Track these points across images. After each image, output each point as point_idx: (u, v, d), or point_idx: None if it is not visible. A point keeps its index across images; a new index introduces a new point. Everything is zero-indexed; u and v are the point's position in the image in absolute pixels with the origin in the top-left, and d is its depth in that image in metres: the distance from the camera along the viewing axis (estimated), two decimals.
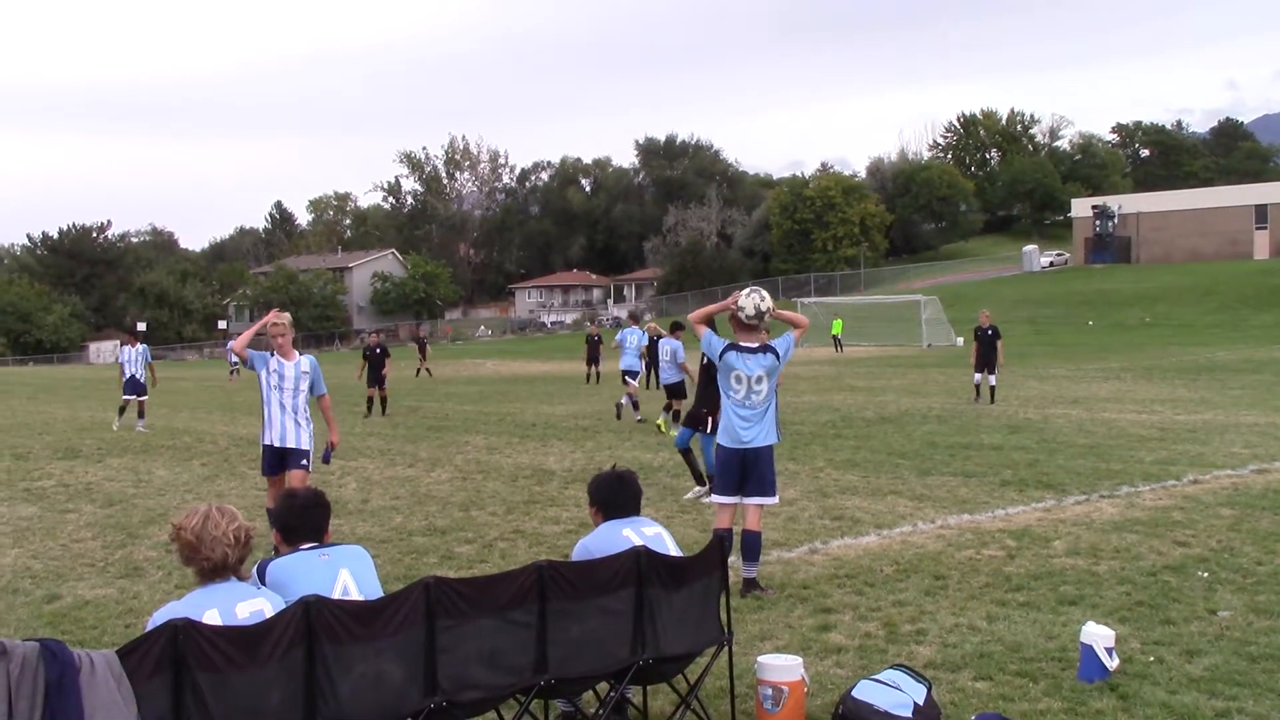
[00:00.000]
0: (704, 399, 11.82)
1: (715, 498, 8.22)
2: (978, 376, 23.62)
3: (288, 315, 9.72)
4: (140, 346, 22.65)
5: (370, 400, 24.71)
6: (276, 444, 9.52)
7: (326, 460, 10.27)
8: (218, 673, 3.70)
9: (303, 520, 4.72)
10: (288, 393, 9.51)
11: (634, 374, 22.64)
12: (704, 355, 11.39)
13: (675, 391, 18.69)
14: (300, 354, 9.70)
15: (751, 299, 7.98)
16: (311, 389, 9.68)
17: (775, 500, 8.24)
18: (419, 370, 42.99)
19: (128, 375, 22.12)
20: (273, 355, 9.53)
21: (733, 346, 7.99)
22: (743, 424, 7.93)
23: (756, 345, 7.97)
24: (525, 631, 4.53)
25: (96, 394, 37.56)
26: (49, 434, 21.81)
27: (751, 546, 7.95)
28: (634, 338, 23.46)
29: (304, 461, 9.59)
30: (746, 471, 7.96)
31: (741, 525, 8.03)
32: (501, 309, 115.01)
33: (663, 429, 18.70)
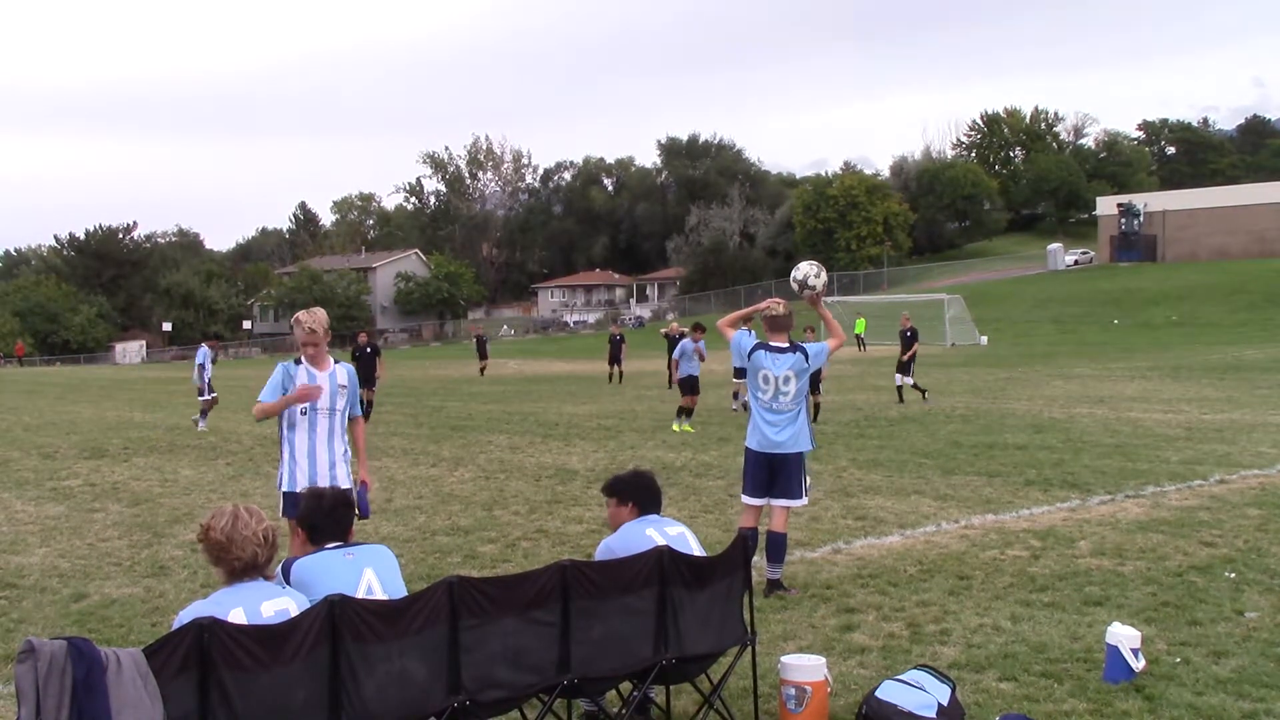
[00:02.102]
0: None
1: (742, 498, 8.23)
2: (899, 378, 23.95)
3: (322, 313, 7.28)
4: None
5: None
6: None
7: (365, 513, 7.15)
8: (243, 671, 3.73)
9: (329, 520, 4.74)
10: (322, 415, 7.08)
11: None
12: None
13: (689, 386, 19.45)
14: (336, 361, 7.30)
15: (808, 267, 8.21)
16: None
17: (803, 502, 8.24)
18: (483, 369, 42.81)
19: (209, 377, 23.10)
20: (299, 365, 7.15)
21: (761, 346, 8.06)
22: (771, 428, 7.94)
23: (785, 345, 8.01)
24: (548, 631, 4.54)
25: (122, 394, 37.83)
26: (76, 433, 21.97)
27: (777, 547, 7.94)
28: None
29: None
30: (775, 474, 7.98)
31: (767, 526, 8.03)
32: (525, 309, 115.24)
33: (678, 429, 18.96)
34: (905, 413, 21.19)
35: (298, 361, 7.17)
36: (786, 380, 7.91)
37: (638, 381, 34.60)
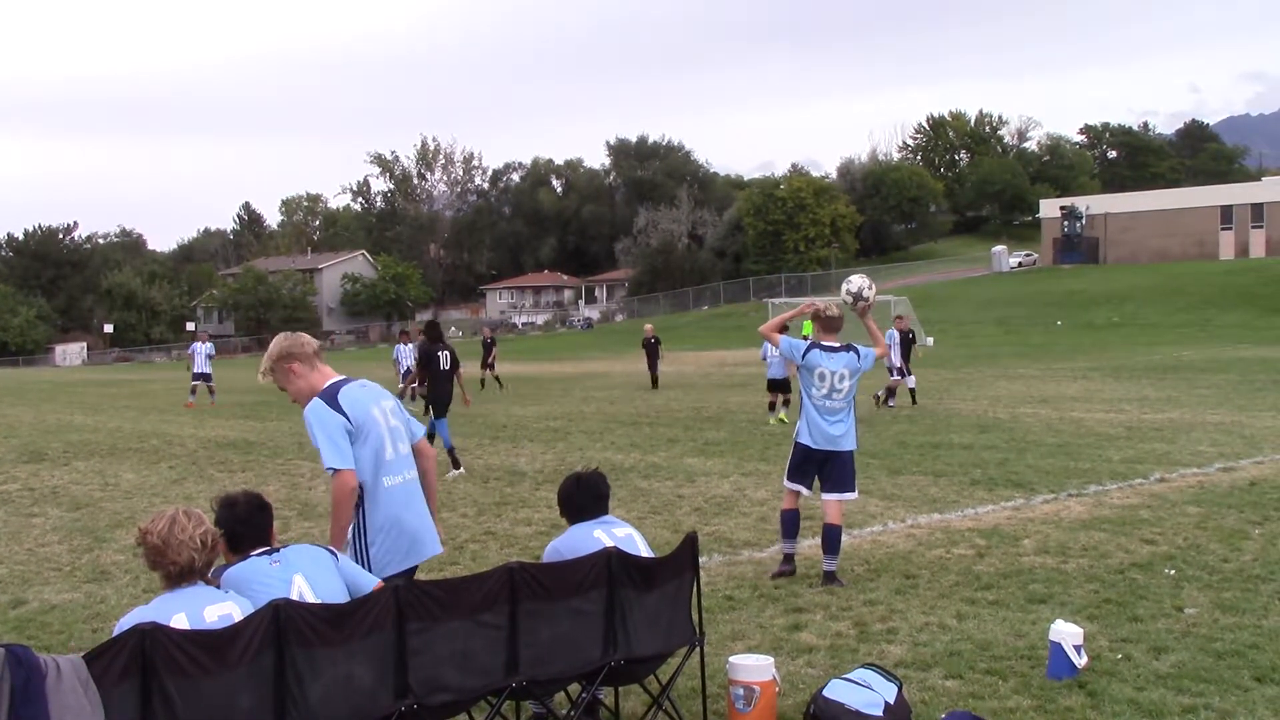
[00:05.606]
0: (432, 389, 15.32)
1: (786, 483, 8.46)
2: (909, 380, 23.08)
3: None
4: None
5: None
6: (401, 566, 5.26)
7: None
8: (186, 677, 3.67)
9: (246, 527, 4.57)
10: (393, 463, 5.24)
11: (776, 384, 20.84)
12: (418, 355, 14.66)
13: (781, 386, 20.28)
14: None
15: (861, 280, 8.57)
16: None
17: (855, 496, 8.51)
18: (484, 380, 32.15)
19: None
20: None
21: (815, 345, 8.31)
22: (829, 425, 8.21)
23: (839, 345, 8.31)
24: (496, 633, 4.52)
25: (63, 396, 37.21)
26: (14, 437, 21.59)
27: (832, 540, 8.16)
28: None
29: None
30: (827, 469, 8.26)
31: (823, 520, 8.29)
32: (473, 310, 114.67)
33: (784, 420, 19.31)
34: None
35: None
36: (841, 378, 8.19)
37: (585, 383, 34.55)
